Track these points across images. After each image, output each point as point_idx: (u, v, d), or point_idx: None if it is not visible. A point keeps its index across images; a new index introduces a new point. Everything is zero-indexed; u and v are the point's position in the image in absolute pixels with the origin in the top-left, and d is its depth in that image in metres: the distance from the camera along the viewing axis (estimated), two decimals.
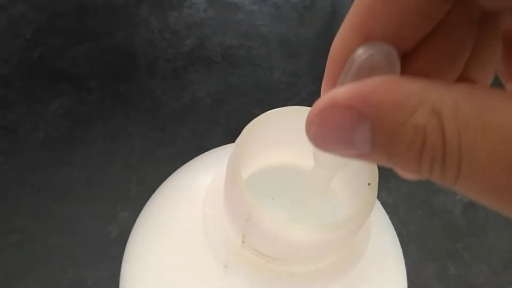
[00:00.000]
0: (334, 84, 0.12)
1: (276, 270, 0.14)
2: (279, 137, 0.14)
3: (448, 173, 0.08)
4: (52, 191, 0.35)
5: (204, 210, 0.15)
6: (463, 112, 0.08)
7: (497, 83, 0.12)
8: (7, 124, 0.38)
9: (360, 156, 0.10)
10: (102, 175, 0.36)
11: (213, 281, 0.15)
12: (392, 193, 0.37)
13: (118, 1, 0.45)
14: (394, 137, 0.09)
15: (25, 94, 0.39)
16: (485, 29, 0.12)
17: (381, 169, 0.39)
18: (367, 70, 0.10)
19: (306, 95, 0.41)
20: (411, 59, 0.11)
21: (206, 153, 0.20)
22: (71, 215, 0.34)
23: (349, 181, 0.14)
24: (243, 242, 0.13)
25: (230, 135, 0.39)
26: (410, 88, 0.09)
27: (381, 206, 0.18)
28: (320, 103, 0.10)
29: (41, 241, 0.33)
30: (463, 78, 0.12)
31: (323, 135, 0.10)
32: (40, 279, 0.32)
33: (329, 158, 0.12)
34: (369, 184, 0.12)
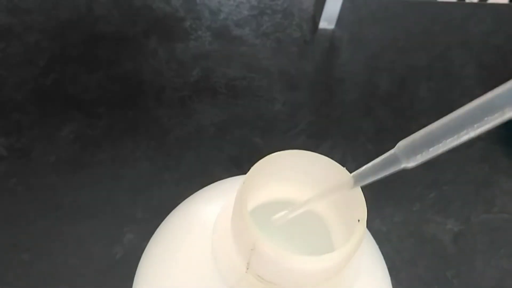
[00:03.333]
0: None
1: None
2: (282, 175, 0.16)
3: None
4: (61, 212, 0.37)
5: (213, 237, 0.17)
6: None
7: None
8: (21, 147, 0.40)
9: None
10: (110, 198, 0.38)
11: None
12: (386, 221, 0.39)
13: (128, 33, 0.48)
14: None
15: (38, 119, 0.41)
16: None
17: (375, 198, 0.40)
18: None
19: (305, 126, 0.43)
20: None
21: (215, 183, 0.22)
22: (79, 235, 0.36)
23: (342, 216, 0.16)
24: (247, 268, 0.15)
25: (232, 162, 0.41)
26: None
27: (370, 235, 0.20)
28: None
29: (49, 260, 0.35)
30: None
31: None
32: None
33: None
34: (358, 220, 0.14)
